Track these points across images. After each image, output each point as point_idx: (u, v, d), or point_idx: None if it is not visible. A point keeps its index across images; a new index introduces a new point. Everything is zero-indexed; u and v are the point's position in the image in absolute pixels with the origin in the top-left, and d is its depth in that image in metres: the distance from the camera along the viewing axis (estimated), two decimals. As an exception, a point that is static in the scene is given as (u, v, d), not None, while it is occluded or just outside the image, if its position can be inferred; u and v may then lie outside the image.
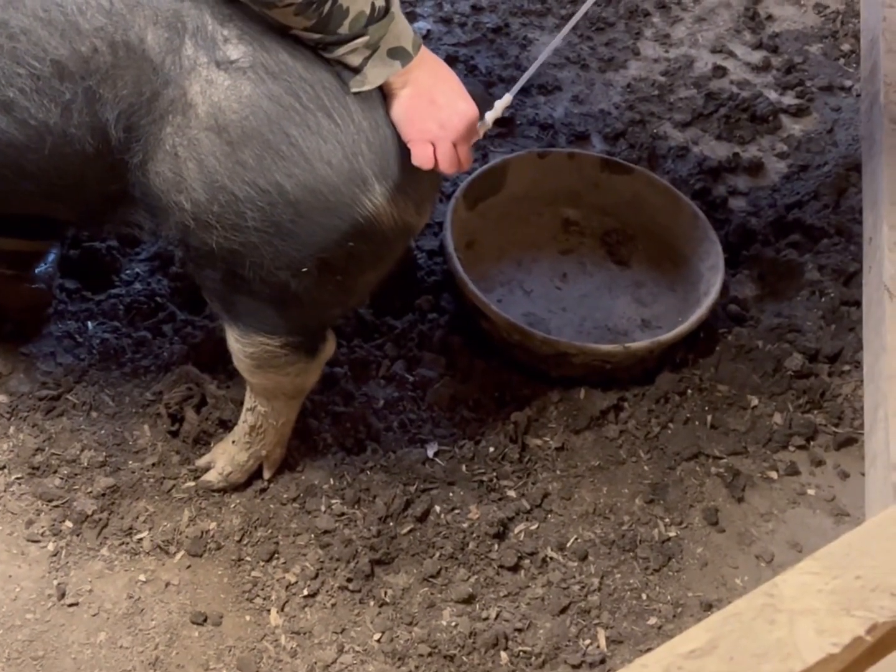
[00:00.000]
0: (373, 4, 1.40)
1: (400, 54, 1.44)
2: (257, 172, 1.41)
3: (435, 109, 1.45)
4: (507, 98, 1.54)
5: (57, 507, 1.74)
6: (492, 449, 1.90)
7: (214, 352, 1.90)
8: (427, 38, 2.71)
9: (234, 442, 1.79)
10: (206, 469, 1.79)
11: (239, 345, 1.64)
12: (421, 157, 1.45)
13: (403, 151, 1.45)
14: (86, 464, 1.79)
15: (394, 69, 1.43)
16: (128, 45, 1.39)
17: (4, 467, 1.77)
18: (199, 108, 1.39)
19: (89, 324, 1.98)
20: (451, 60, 2.64)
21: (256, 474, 1.81)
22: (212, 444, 1.82)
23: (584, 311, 2.13)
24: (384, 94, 1.45)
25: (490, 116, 1.53)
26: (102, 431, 1.83)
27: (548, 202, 2.25)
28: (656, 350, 1.99)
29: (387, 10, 1.41)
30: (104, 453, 1.80)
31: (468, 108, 1.47)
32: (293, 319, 1.60)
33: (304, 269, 1.48)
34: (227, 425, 1.84)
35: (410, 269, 2.19)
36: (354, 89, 1.42)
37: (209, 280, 1.56)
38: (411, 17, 2.74)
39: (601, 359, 1.96)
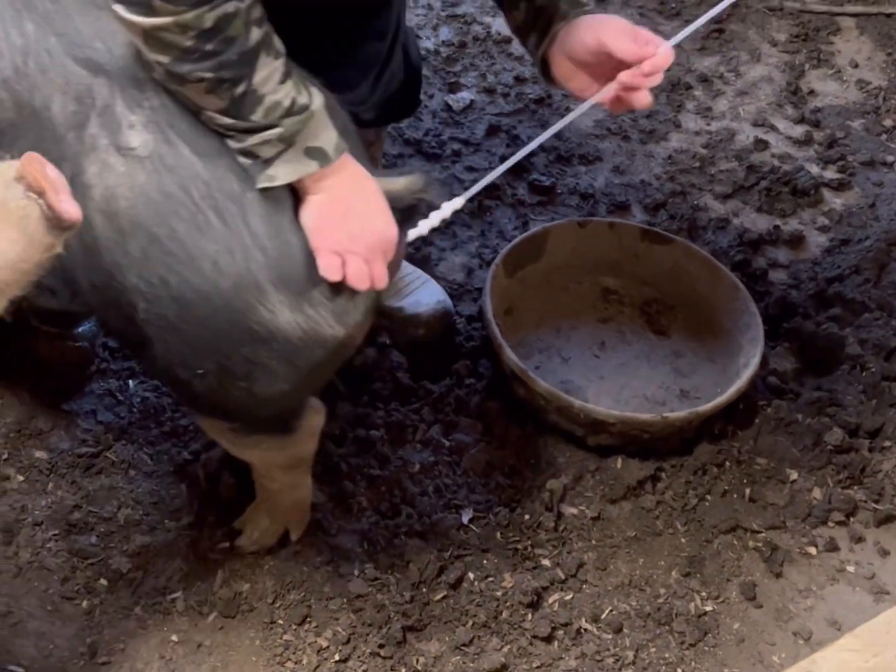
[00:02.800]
0: (292, 98, 1.35)
1: (318, 155, 1.37)
2: (143, 264, 1.36)
3: (348, 221, 1.39)
4: (459, 201, 1.51)
5: (92, 564, 1.74)
6: (527, 516, 1.89)
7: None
8: (470, 108, 2.74)
9: (257, 507, 1.79)
10: (240, 531, 1.80)
11: (202, 423, 1.61)
12: (326, 269, 1.39)
13: (313, 259, 1.39)
14: (122, 522, 1.79)
15: (308, 169, 1.37)
16: (33, 107, 1.34)
17: (42, 524, 1.78)
18: (94, 189, 1.35)
19: (130, 382, 2.01)
20: (493, 130, 2.68)
21: (289, 536, 1.81)
22: (246, 507, 1.82)
23: (623, 380, 2.13)
24: (297, 197, 1.40)
25: (432, 219, 1.51)
26: (140, 490, 1.84)
27: (587, 271, 2.26)
28: (695, 421, 1.98)
29: (307, 107, 1.36)
30: (141, 512, 1.81)
31: (385, 225, 1.43)
32: (227, 413, 1.54)
33: (201, 371, 1.42)
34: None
35: (449, 334, 2.20)
36: (261, 185, 1.36)
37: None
38: (455, 87, 2.79)
39: (639, 428, 1.95)
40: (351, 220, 1.40)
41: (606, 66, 1.53)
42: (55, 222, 1.10)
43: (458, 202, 1.50)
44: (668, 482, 1.97)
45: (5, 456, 1.87)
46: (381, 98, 1.86)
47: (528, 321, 2.19)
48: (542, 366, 2.12)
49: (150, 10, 1.26)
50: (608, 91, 1.53)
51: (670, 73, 2.92)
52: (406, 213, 1.50)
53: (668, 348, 2.21)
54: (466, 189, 2.49)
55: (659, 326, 2.24)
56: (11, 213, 1.08)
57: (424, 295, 2.21)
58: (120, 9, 1.28)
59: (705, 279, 2.20)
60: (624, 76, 1.50)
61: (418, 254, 2.35)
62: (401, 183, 1.48)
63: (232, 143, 1.37)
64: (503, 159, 2.57)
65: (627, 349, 2.20)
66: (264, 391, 1.48)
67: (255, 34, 1.32)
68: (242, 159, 1.37)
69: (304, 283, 1.39)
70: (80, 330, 1.99)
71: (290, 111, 1.35)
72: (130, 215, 1.35)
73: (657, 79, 1.51)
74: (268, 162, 1.36)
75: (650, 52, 1.48)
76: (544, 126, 2.72)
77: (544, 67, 1.64)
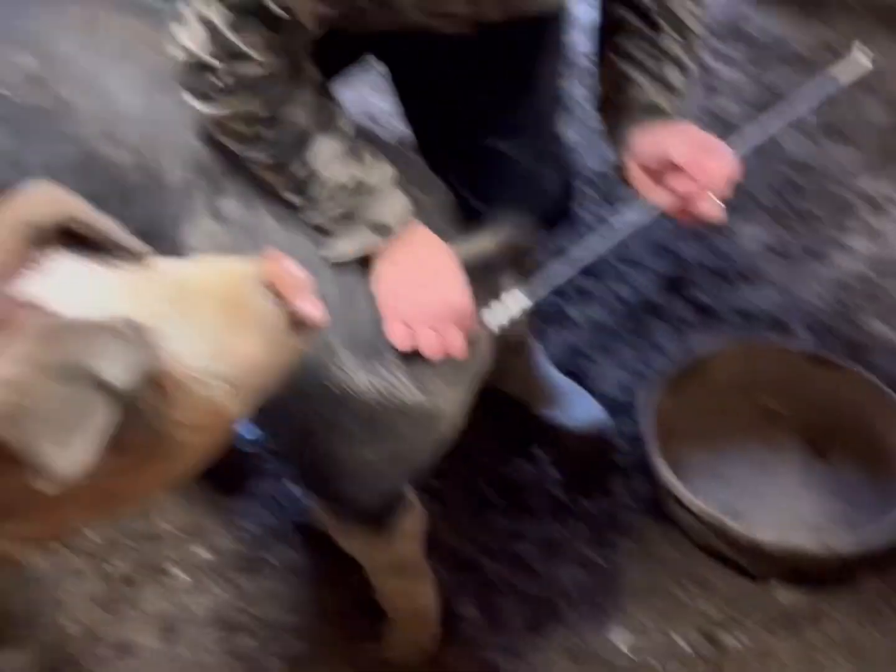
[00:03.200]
0: (353, 176, 1.40)
1: (380, 229, 1.41)
2: None
3: (415, 291, 1.40)
4: (525, 301, 1.45)
5: (250, 666, 1.77)
6: (682, 643, 1.84)
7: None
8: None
9: (389, 618, 1.78)
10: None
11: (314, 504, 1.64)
12: (394, 338, 1.39)
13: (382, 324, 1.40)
14: (281, 626, 1.82)
15: (371, 242, 1.41)
16: (153, 171, 1.45)
17: (202, 623, 1.82)
18: (188, 249, 1.43)
19: (291, 484, 2.05)
20: (655, 248, 2.68)
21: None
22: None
23: (785, 505, 2.07)
24: (368, 264, 1.43)
25: (500, 314, 1.44)
26: (299, 594, 1.87)
27: (749, 392, 2.22)
28: (860, 552, 1.91)
29: (368, 184, 1.41)
30: (299, 617, 1.83)
31: (455, 296, 1.42)
32: (318, 487, 1.57)
33: (282, 429, 1.47)
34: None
35: (605, 450, 2.19)
36: (330, 260, 1.41)
37: None
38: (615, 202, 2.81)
39: (801, 556, 1.89)
40: (418, 290, 1.41)
41: (670, 173, 1.46)
42: (300, 326, 1.14)
43: (523, 300, 1.45)
44: (831, 614, 1.90)
45: (170, 554, 1.93)
46: (530, 213, 1.88)
47: (687, 441, 2.16)
48: (701, 487, 2.08)
49: (209, 100, 1.37)
50: (665, 200, 1.45)
51: (833, 190, 2.89)
52: (500, 265, 1.51)
53: (833, 474, 2.14)
54: (625, 304, 2.52)
55: (823, 451, 2.18)
56: (262, 318, 1.12)
57: (581, 409, 2.21)
58: (187, 97, 1.39)
59: (872, 406, 2.14)
60: (677, 184, 1.43)
61: (576, 368, 2.35)
62: (478, 246, 1.48)
63: (302, 218, 1.44)
64: (665, 278, 2.59)
65: (790, 474, 2.14)
66: (348, 457, 1.48)
67: (311, 118, 1.41)
68: (315, 234, 1.44)
69: (375, 345, 1.40)
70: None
71: (351, 189, 1.41)
72: None
73: (717, 189, 1.42)
74: (334, 237, 1.42)
75: (706, 162, 1.41)
76: (708, 246, 2.71)
77: (621, 171, 1.59)
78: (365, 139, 1.54)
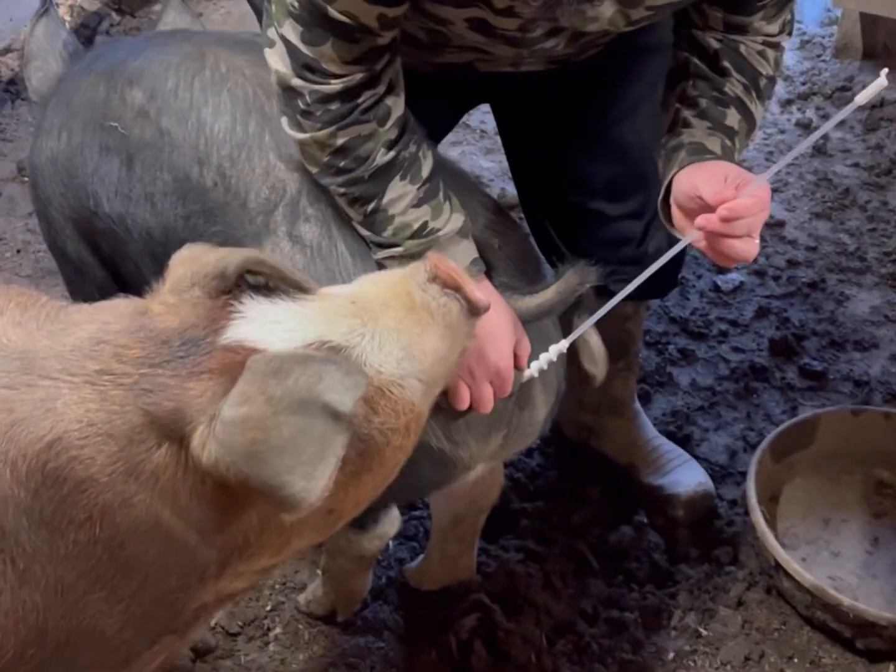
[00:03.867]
0: (424, 222, 1.44)
1: None
2: None
3: None
4: (564, 344, 1.47)
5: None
6: (787, 720, 1.78)
7: (507, 583, 1.91)
8: (740, 289, 2.73)
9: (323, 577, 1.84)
10: None
11: None
12: None
13: None
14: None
15: None
16: (237, 191, 1.53)
17: (298, 677, 1.83)
18: None
19: (390, 543, 2.05)
20: (763, 312, 2.64)
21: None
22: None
23: (896, 581, 2.00)
24: None
25: (542, 361, 1.47)
26: (393, 653, 1.86)
27: (860, 461, 2.16)
28: (978, 632, 1.82)
29: (435, 231, 1.44)
30: (391, 672, 1.83)
31: (496, 356, 1.43)
32: None
33: None
34: (510, 659, 1.83)
35: (709, 517, 2.14)
36: None
37: None
38: (724, 267, 2.77)
39: (914, 635, 1.81)
40: None
41: (702, 210, 1.39)
42: (472, 311, 1.22)
43: (562, 344, 1.47)
44: (947, 698, 1.81)
45: (269, 608, 1.94)
46: (635, 275, 1.87)
47: (794, 510, 2.11)
48: (809, 558, 2.02)
49: (298, 126, 1.44)
50: (692, 237, 1.39)
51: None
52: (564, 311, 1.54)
53: (948, 550, 2.06)
54: (731, 368, 2.48)
55: (936, 526, 2.10)
56: (435, 311, 1.19)
57: (685, 475, 2.17)
58: (284, 121, 1.46)
59: None
60: (701, 220, 1.36)
61: (680, 433, 2.32)
62: (540, 298, 1.51)
63: (371, 254, 1.50)
64: (771, 342, 2.54)
65: (903, 548, 2.07)
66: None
67: (388, 156, 1.44)
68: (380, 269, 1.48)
69: None
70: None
71: (417, 233, 1.45)
72: None
73: (743, 226, 1.35)
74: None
75: (729, 196, 1.34)
76: (816, 311, 2.66)
77: (665, 209, 1.54)
78: (471, 192, 1.57)
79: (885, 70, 1.20)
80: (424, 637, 1.88)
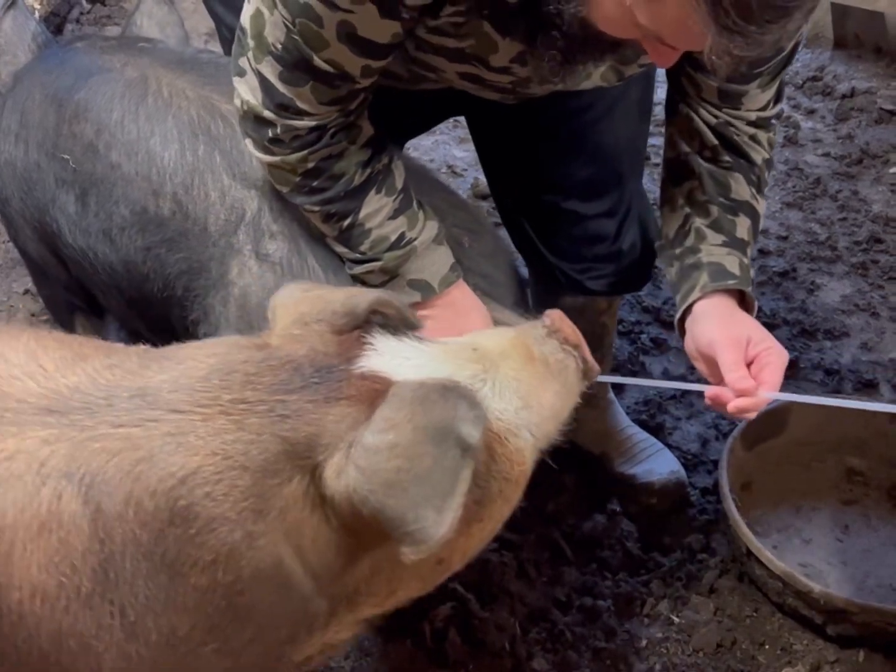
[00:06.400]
0: (401, 233, 1.45)
1: (421, 287, 1.45)
2: None
3: None
4: None
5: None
6: (760, 705, 1.80)
7: (481, 571, 1.92)
8: (712, 278, 2.73)
9: None
10: None
11: None
12: None
13: None
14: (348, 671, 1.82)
15: (411, 299, 1.45)
16: (196, 217, 1.55)
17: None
18: (235, 287, 1.51)
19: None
20: (734, 301, 2.65)
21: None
22: (473, 667, 1.81)
23: (868, 567, 2.01)
24: None
25: None
26: (367, 642, 1.86)
27: (831, 449, 2.17)
28: (947, 617, 1.84)
29: (411, 241, 1.45)
30: (368, 665, 1.82)
31: None
32: None
33: None
34: (485, 647, 1.83)
35: (682, 505, 2.16)
36: None
37: None
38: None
39: (885, 621, 1.82)
40: None
41: (717, 366, 1.46)
42: (585, 373, 1.22)
43: None
44: (919, 683, 1.83)
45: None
46: (609, 271, 1.88)
47: (766, 498, 2.12)
48: (780, 546, 2.04)
49: (265, 149, 1.44)
50: (695, 387, 1.51)
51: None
52: None
53: (918, 536, 2.08)
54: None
55: (908, 512, 2.12)
56: (553, 366, 1.19)
57: (658, 464, 2.19)
58: (248, 143, 1.47)
59: (961, 466, 2.08)
60: (710, 394, 1.44)
61: (653, 421, 2.33)
62: (518, 321, 1.51)
63: (346, 270, 1.50)
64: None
65: (873, 535, 2.08)
66: None
67: (363, 174, 1.45)
68: (357, 284, 1.49)
69: None
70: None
71: (395, 245, 1.46)
72: (258, 312, 1.50)
73: (744, 413, 1.43)
74: (375, 288, 1.46)
75: (744, 390, 1.40)
76: (787, 299, 2.68)
77: (680, 328, 1.59)
78: (438, 193, 1.57)
79: None
80: (399, 626, 1.88)
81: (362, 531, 1.01)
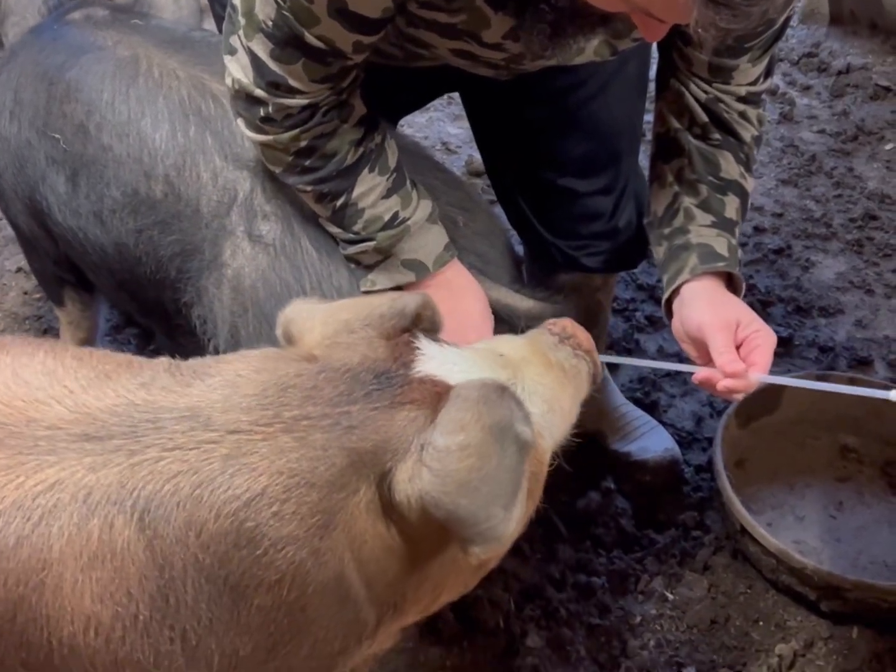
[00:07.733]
0: (394, 213, 1.44)
1: (415, 267, 1.45)
2: (255, 340, 1.47)
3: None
4: None
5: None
6: (753, 682, 1.80)
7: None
8: (706, 255, 2.73)
9: None
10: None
11: None
12: None
13: None
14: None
15: (405, 279, 1.46)
16: (188, 198, 1.54)
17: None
18: (228, 268, 1.51)
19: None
20: (729, 278, 2.65)
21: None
22: (467, 643, 1.81)
23: (861, 544, 2.02)
24: None
25: None
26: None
27: (825, 426, 2.18)
28: (940, 594, 1.85)
29: (405, 221, 1.45)
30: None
31: (476, 340, 1.42)
32: None
33: None
34: (479, 625, 1.83)
35: (676, 482, 2.16)
36: (363, 288, 1.47)
37: None
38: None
39: (878, 597, 1.83)
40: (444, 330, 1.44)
41: (706, 348, 1.46)
42: (594, 377, 1.25)
43: None
44: (911, 658, 1.84)
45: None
46: (605, 248, 1.88)
47: (760, 475, 2.12)
48: (775, 523, 2.04)
49: (257, 129, 1.43)
50: (686, 368, 1.52)
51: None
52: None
53: (911, 513, 2.09)
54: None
55: (901, 489, 2.13)
56: (568, 371, 1.21)
57: (652, 441, 2.19)
58: (240, 123, 1.45)
59: (953, 443, 2.08)
60: (700, 377, 1.45)
61: (647, 399, 2.33)
62: (514, 300, 1.53)
63: (340, 250, 1.50)
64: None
65: (866, 511, 2.09)
66: None
67: (355, 152, 1.44)
68: (351, 264, 1.49)
69: None
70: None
71: (389, 224, 1.45)
72: (251, 293, 1.50)
73: (732, 394, 1.44)
74: (369, 268, 1.47)
75: (734, 373, 1.41)
76: (782, 277, 2.67)
77: (667, 309, 1.59)
78: (432, 171, 1.56)
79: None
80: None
81: (421, 537, 1.01)
